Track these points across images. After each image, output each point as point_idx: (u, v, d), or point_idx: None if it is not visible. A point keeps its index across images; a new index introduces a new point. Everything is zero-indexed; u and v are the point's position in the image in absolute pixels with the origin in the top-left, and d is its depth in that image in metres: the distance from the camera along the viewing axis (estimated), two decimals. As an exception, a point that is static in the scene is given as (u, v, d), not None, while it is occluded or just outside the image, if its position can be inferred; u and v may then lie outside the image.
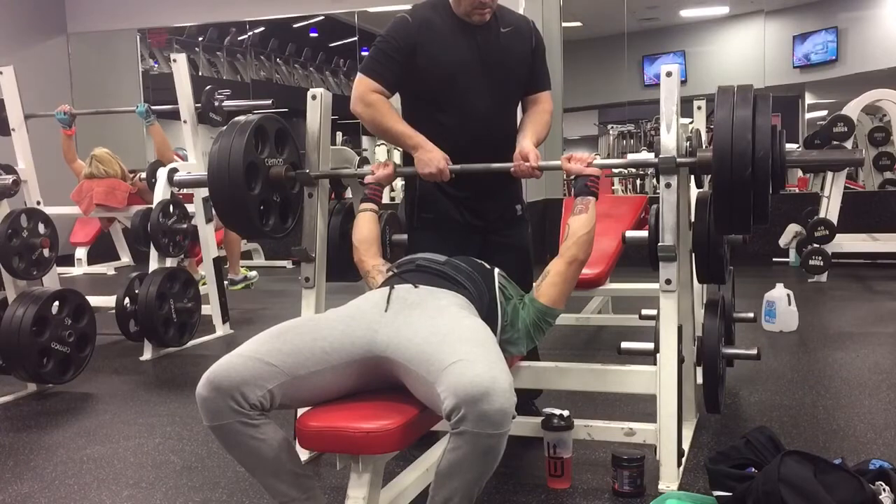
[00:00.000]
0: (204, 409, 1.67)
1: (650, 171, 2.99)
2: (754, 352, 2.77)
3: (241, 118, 2.40)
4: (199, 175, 2.75)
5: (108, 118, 6.21)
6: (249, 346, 1.75)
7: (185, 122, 4.71)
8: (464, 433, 1.55)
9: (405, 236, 2.70)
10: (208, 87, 4.87)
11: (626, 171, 6.40)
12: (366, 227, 2.37)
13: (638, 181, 8.52)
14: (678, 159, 2.23)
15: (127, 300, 4.09)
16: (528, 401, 2.69)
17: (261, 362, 1.69)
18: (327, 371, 1.75)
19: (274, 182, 2.44)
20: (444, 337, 1.71)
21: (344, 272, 2.65)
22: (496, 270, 2.13)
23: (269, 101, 4.89)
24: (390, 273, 2.08)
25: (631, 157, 2.42)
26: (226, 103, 4.81)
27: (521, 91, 2.57)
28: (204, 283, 4.69)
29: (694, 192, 2.67)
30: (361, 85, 2.40)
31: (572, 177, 2.28)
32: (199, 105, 4.74)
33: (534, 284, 2.15)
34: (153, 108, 4.83)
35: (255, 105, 4.89)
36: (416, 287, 1.92)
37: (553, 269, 2.11)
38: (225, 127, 2.40)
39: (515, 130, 2.52)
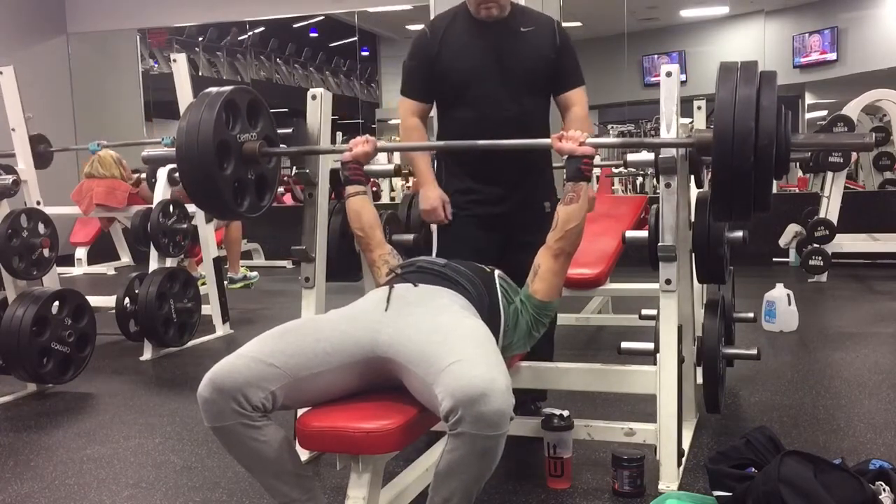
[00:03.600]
0: (205, 410, 1.67)
1: (650, 170, 2.98)
2: (754, 352, 2.77)
3: (212, 89, 2.25)
4: (167, 151, 2.56)
5: (108, 118, 6.22)
6: (251, 347, 1.74)
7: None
8: (461, 434, 1.55)
9: (406, 236, 2.70)
10: None
11: (626, 171, 6.40)
12: (363, 212, 2.27)
13: (638, 181, 8.51)
14: (674, 140, 2.16)
15: (127, 300, 4.09)
16: (532, 403, 2.69)
17: (263, 364, 1.69)
18: (329, 372, 1.75)
19: (248, 158, 2.27)
20: (444, 337, 1.70)
21: (344, 272, 2.65)
22: (496, 273, 2.12)
23: None
24: (391, 276, 2.08)
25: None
26: None
27: (546, 90, 2.61)
28: (204, 283, 4.69)
29: (694, 192, 2.67)
30: (401, 107, 2.63)
31: (564, 157, 2.19)
32: None
33: (527, 281, 2.12)
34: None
35: None
36: (415, 286, 1.92)
37: (543, 266, 2.09)
38: (194, 99, 2.25)
39: (542, 130, 2.55)
